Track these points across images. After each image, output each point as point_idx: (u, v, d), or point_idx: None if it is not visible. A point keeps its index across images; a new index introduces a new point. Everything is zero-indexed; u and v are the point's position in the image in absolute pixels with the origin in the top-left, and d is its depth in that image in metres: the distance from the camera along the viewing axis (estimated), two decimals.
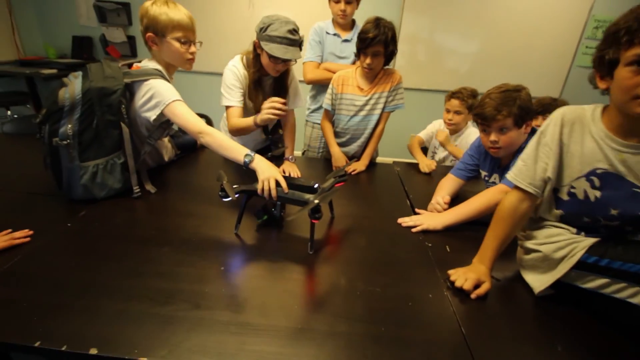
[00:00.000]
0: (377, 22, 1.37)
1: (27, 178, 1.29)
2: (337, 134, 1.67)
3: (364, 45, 1.39)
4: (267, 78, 1.45)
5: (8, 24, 3.25)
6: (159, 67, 1.24)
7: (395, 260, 0.97)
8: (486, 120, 1.11)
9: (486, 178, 1.28)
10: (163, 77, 1.21)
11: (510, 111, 1.07)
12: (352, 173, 1.56)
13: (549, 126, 0.83)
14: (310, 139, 1.98)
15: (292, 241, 1.03)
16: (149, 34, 1.19)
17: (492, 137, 1.12)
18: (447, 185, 1.32)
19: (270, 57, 1.29)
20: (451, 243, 1.06)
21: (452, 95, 1.79)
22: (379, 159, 1.85)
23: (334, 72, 1.64)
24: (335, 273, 0.90)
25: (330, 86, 1.61)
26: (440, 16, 3.29)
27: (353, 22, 1.84)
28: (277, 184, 1.00)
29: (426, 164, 1.65)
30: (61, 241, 0.96)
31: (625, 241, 0.78)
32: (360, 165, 1.60)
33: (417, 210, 1.25)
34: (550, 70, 3.42)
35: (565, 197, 0.84)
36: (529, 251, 0.89)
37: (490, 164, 1.25)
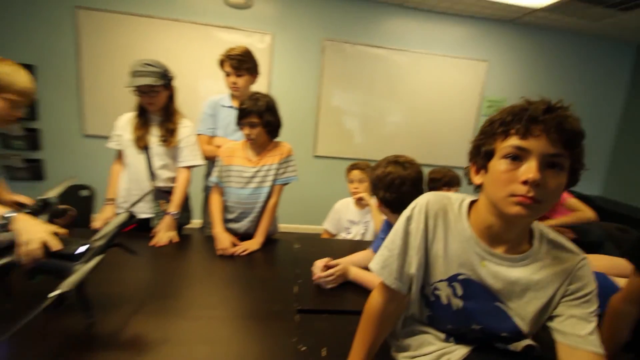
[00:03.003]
0: (253, 95, 1.46)
1: None
2: (227, 209, 1.57)
3: (240, 116, 1.46)
4: (154, 116, 1.59)
5: None
6: None
7: None
8: None
9: None
10: None
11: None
12: (242, 254, 1.39)
13: (414, 213, 0.73)
14: (207, 214, 1.82)
15: None
16: None
17: None
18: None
19: (135, 92, 1.50)
20: (330, 344, 0.91)
21: (352, 167, 1.92)
22: (287, 227, 1.72)
23: None
24: None
25: (217, 158, 1.57)
26: (355, 88, 3.61)
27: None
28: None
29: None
30: None
31: (496, 352, 0.70)
32: (253, 244, 1.46)
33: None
34: (456, 141, 3.81)
35: (431, 298, 0.74)
36: None
37: None
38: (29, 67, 3.13)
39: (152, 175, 1.60)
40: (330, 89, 3.54)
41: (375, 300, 0.77)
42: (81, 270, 0.79)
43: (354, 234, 1.89)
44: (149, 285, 1.13)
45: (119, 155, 1.65)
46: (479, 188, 0.68)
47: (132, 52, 3.22)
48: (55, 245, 0.83)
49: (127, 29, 3.20)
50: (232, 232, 1.51)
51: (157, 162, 1.59)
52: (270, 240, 1.57)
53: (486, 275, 0.67)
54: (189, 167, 1.63)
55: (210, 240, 1.48)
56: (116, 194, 1.62)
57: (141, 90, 1.49)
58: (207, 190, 1.89)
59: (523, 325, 0.67)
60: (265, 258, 1.42)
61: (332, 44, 3.46)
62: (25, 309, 0.70)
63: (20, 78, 1.15)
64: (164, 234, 1.47)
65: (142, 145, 1.56)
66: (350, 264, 1.24)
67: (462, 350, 0.71)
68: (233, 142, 1.63)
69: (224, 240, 1.42)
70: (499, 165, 0.61)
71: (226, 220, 1.56)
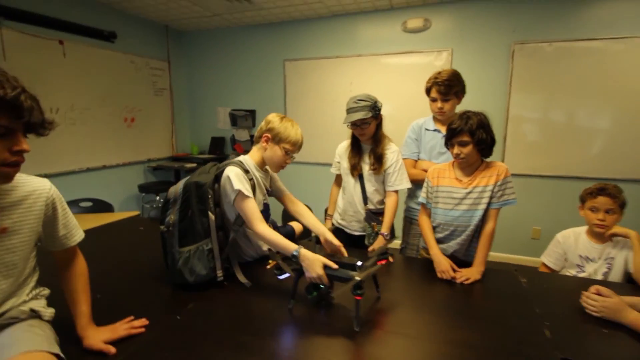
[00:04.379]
0: (463, 113, 1.39)
1: (155, 261, 1.47)
2: (434, 230, 1.53)
3: (449, 136, 1.41)
4: (365, 145, 1.76)
5: (169, 130, 4.26)
6: (249, 160, 1.40)
7: None
8: None
9: None
10: (241, 166, 1.32)
11: None
12: (466, 282, 1.33)
13: None
14: (408, 235, 1.87)
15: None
16: (268, 135, 1.37)
17: None
18: None
19: (350, 125, 1.68)
20: None
21: (598, 192, 1.51)
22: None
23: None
24: None
25: (425, 180, 1.57)
26: (554, 93, 3.03)
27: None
28: (325, 266, 1.10)
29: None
30: (168, 337, 1.00)
31: None
32: (474, 274, 1.37)
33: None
34: None
35: None
36: None
37: None
38: (252, 112, 4.11)
39: (365, 200, 1.76)
40: (521, 97, 3.11)
41: None
42: (367, 270, 1.05)
43: (590, 272, 1.53)
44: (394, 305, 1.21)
45: (337, 178, 1.91)
46: None
47: (323, 88, 3.76)
48: (333, 266, 1.10)
49: (319, 71, 3.76)
50: None
51: (370, 187, 1.74)
52: (488, 270, 1.45)
53: None
54: (397, 191, 1.73)
55: (414, 261, 1.49)
56: (333, 211, 1.88)
57: (354, 124, 1.67)
58: (407, 212, 1.94)
59: None
60: (490, 290, 1.31)
61: (523, 47, 3.06)
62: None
63: (295, 132, 1.38)
64: (467, 275, 1.37)
65: (357, 174, 1.74)
66: (625, 304, 1.01)
67: None
68: (440, 164, 1.61)
69: (444, 262, 1.39)
70: None
71: None
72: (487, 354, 0.93)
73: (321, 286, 1.10)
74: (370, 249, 1.65)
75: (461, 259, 1.48)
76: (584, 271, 1.57)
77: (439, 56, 3.32)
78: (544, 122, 3.10)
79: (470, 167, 1.46)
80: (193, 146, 4.43)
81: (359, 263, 1.07)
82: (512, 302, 1.21)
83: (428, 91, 1.73)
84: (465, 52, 3.25)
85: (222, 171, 1.32)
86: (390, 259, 1.45)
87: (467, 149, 1.38)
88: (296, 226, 1.72)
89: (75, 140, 3.17)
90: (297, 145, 1.39)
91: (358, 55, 3.58)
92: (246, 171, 1.35)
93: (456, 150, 1.40)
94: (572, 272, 1.61)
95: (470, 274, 1.35)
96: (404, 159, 1.81)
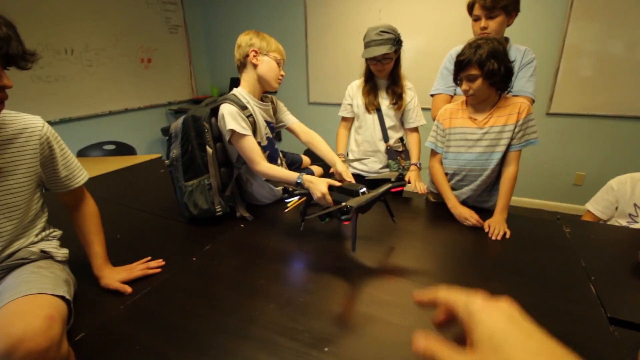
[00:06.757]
0: (475, 41, 1.19)
1: (173, 203, 1.44)
2: (447, 176, 1.40)
3: (456, 69, 1.22)
4: (381, 81, 1.64)
5: (187, 72, 4.11)
6: (243, 92, 1.31)
7: None
8: None
9: None
10: (237, 103, 1.25)
11: None
12: (497, 237, 1.17)
13: None
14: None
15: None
16: (254, 49, 1.26)
17: None
18: None
19: (366, 60, 1.54)
20: None
21: None
22: (513, 200, 1.40)
23: None
24: None
25: (435, 122, 1.40)
26: (619, 21, 2.53)
27: (506, 41, 1.51)
28: (331, 187, 1.09)
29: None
30: (183, 278, 0.99)
31: None
32: (501, 222, 1.21)
33: None
34: None
35: None
36: None
37: None
38: None
39: (386, 136, 1.65)
40: (582, 24, 2.63)
41: None
42: (362, 197, 1.00)
43: None
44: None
45: (346, 121, 1.76)
46: None
47: (348, 19, 3.38)
48: (337, 184, 1.09)
49: None
50: None
51: (389, 122, 1.65)
52: (524, 218, 1.32)
53: None
54: (417, 128, 1.66)
55: (438, 205, 1.36)
56: (344, 150, 1.76)
57: (375, 59, 1.51)
58: None
59: None
60: (528, 240, 1.17)
61: None
62: None
63: (275, 40, 1.30)
64: (499, 228, 1.21)
65: (374, 108, 1.63)
66: None
67: None
68: (451, 104, 1.40)
69: (465, 212, 1.27)
70: None
71: None
72: (522, 310, 0.84)
73: (330, 211, 1.03)
74: (407, 178, 1.54)
75: (472, 206, 1.33)
76: (636, 222, 1.40)
77: None
78: (602, 55, 2.65)
79: (484, 103, 1.26)
80: (213, 88, 4.30)
81: (363, 190, 1.04)
82: (554, 253, 1.08)
83: (470, 8, 1.43)
84: None
85: (219, 106, 1.24)
86: (408, 183, 1.47)
87: (477, 84, 1.18)
88: (315, 169, 1.63)
89: (94, 83, 3.12)
90: (283, 54, 1.32)
91: None
92: (243, 107, 1.25)
93: (464, 86, 1.22)
94: (622, 222, 1.45)
95: (499, 225, 1.20)
96: (437, 94, 1.60)
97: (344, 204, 0.97)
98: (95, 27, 3.05)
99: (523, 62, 1.45)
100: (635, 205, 1.41)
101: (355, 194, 1.03)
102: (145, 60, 3.57)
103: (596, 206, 1.52)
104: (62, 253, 0.90)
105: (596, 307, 0.84)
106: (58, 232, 0.94)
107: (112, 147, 2.63)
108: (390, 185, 1.05)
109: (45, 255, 0.85)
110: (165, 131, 3.71)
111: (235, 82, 4.06)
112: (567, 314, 0.82)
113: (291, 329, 0.78)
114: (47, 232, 0.90)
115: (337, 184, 1.10)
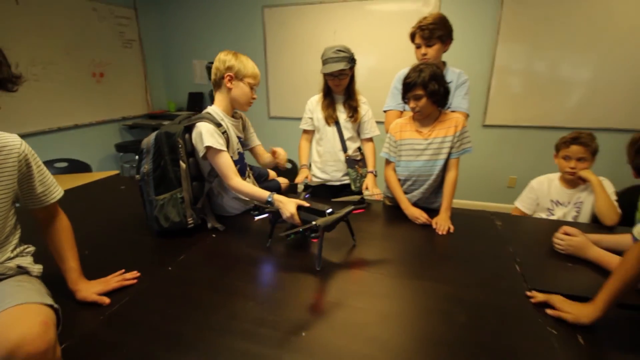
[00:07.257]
0: (417, 66, 1.40)
1: (139, 218, 1.46)
2: (400, 182, 1.59)
3: (404, 90, 1.42)
4: (338, 95, 1.80)
5: (142, 86, 4.03)
6: (217, 110, 1.37)
7: (507, 348, 0.79)
8: None
9: None
10: (212, 120, 1.31)
11: None
12: (443, 232, 1.36)
13: None
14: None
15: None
16: (230, 74, 1.32)
17: None
18: None
19: (325, 76, 1.72)
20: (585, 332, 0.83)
21: (571, 141, 1.56)
22: (455, 202, 1.63)
23: None
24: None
25: (388, 135, 1.60)
26: (541, 43, 3.00)
27: (443, 65, 1.76)
28: (299, 207, 1.16)
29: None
30: (162, 285, 1.03)
31: None
32: (445, 219, 1.42)
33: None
34: None
35: None
36: None
37: None
38: None
39: (344, 147, 1.82)
40: (509, 46, 3.06)
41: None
42: (330, 217, 1.08)
43: (559, 216, 1.64)
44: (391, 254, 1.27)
45: (307, 133, 1.92)
46: None
47: (306, 38, 3.57)
48: (306, 204, 1.17)
49: (301, 18, 3.54)
50: None
51: (347, 134, 1.82)
52: (465, 216, 1.53)
53: None
54: (372, 138, 1.86)
55: (389, 208, 1.56)
56: (307, 161, 1.92)
57: (332, 75, 1.68)
58: None
59: None
60: (466, 233, 1.37)
61: None
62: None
63: (252, 65, 1.36)
64: (444, 225, 1.40)
65: (333, 121, 1.80)
66: (589, 242, 1.12)
67: None
68: (400, 119, 1.62)
69: (415, 212, 1.46)
70: None
71: None
72: (460, 286, 1.01)
73: (299, 230, 1.10)
74: (364, 187, 1.73)
75: (422, 207, 1.53)
76: (553, 214, 1.67)
77: (427, 2, 3.17)
78: (527, 74, 3.10)
79: (428, 118, 1.49)
80: (170, 103, 4.24)
81: (329, 210, 1.13)
82: (487, 242, 1.29)
83: (412, 37, 1.67)
84: None
85: (194, 124, 1.30)
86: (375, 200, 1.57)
87: (422, 102, 1.40)
88: (282, 180, 1.74)
89: (42, 98, 2.97)
90: (258, 79, 1.39)
91: (343, 0, 3.37)
92: (218, 125, 1.32)
93: (411, 104, 1.43)
94: (542, 215, 1.72)
95: (444, 222, 1.41)
96: (389, 110, 1.80)
97: (313, 223, 1.05)
98: (42, 40, 2.92)
99: (458, 82, 1.70)
100: (551, 200, 1.68)
101: (322, 214, 1.13)
102: (98, 74, 3.46)
103: (522, 203, 1.79)
104: (37, 268, 0.91)
105: (520, 282, 1.03)
106: (32, 248, 0.95)
107: (64, 164, 2.51)
108: (352, 207, 1.17)
109: (22, 270, 0.86)
110: (121, 147, 3.59)
111: (193, 98, 4.08)
112: (498, 288, 1.00)
113: (271, 321, 0.87)
114: (22, 248, 0.91)
115: (306, 204, 1.18)
